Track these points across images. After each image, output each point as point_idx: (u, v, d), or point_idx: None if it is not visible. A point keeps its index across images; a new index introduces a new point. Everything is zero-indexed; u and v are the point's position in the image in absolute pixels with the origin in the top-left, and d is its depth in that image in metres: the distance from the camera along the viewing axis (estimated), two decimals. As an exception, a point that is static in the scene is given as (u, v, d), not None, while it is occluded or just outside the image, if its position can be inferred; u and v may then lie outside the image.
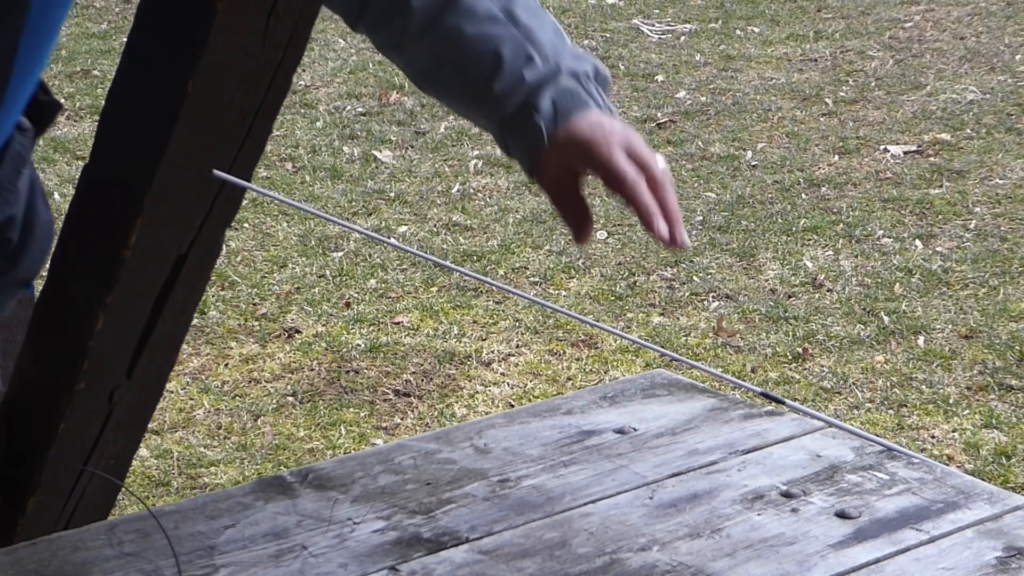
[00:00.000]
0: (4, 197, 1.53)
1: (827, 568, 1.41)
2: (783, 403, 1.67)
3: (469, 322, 4.44)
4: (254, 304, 4.59)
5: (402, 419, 3.92)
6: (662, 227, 1.51)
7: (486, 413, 3.87)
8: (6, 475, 1.69)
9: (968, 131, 6.15)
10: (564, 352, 4.25)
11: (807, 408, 1.74)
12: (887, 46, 7.44)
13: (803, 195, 5.48)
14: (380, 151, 5.96)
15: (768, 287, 4.69)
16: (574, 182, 1.60)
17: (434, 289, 4.66)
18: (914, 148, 5.97)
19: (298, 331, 4.39)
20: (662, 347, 1.49)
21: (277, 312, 4.52)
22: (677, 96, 6.71)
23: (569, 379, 4.10)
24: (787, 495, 1.55)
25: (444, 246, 5.01)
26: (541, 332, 4.37)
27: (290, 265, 4.86)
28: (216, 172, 1.31)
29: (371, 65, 7.00)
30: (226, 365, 4.21)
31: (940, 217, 5.24)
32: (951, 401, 3.96)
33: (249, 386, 4.09)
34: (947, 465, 1.71)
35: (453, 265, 1.53)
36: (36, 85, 1.54)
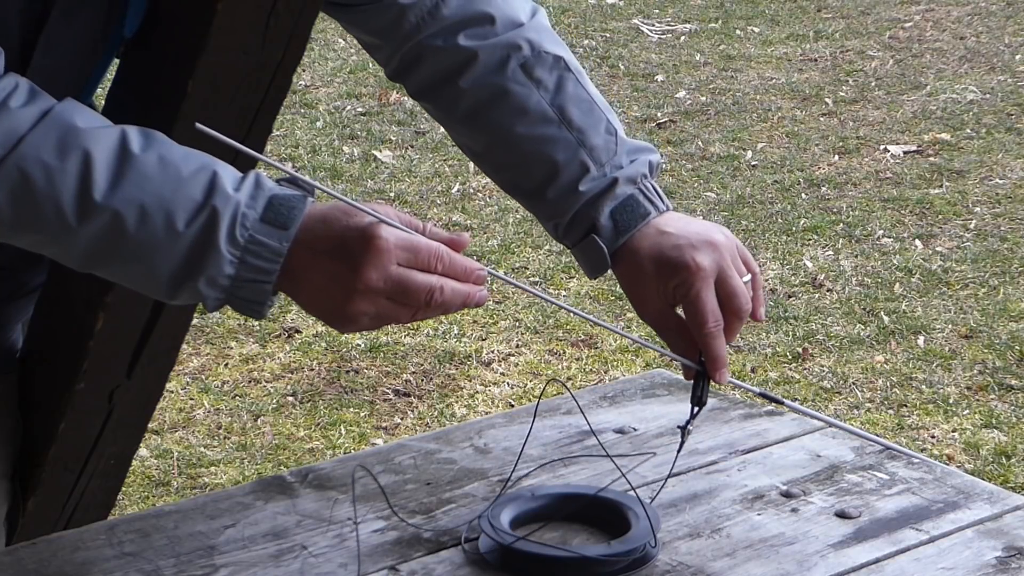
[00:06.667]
0: None
1: (827, 568, 1.41)
2: (782, 403, 1.68)
3: (469, 322, 4.44)
4: (254, 304, 4.58)
5: (402, 419, 3.92)
6: (723, 378, 1.51)
7: (486, 413, 3.86)
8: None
9: (968, 131, 6.15)
10: (564, 352, 4.25)
11: (806, 408, 1.74)
12: (887, 46, 7.44)
13: (803, 195, 5.47)
14: (380, 151, 5.96)
15: (768, 287, 4.68)
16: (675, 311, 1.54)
17: (434, 289, 4.65)
18: (914, 148, 5.97)
19: (298, 331, 4.39)
20: (662, 347, 1.49)
21: (277, 312, 4.52)
22: (677, 96, 6.71)
23: (569, 379, 4.10)
24: (787, 495, 1.55)
25: (444, 246, 5.00)
26: (541, 332, 4.37)
27: (290, 265, 4.86)
28: (199, 126, 1.29)
29: (371, 65, 7.00)
30: (226, 365, 4.21)
31: (940, 217, 5.24)
32: (951, 401, 3.96)
33: (249, 386, 4.09)
34: (947, 465, 1.70)
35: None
36: None
